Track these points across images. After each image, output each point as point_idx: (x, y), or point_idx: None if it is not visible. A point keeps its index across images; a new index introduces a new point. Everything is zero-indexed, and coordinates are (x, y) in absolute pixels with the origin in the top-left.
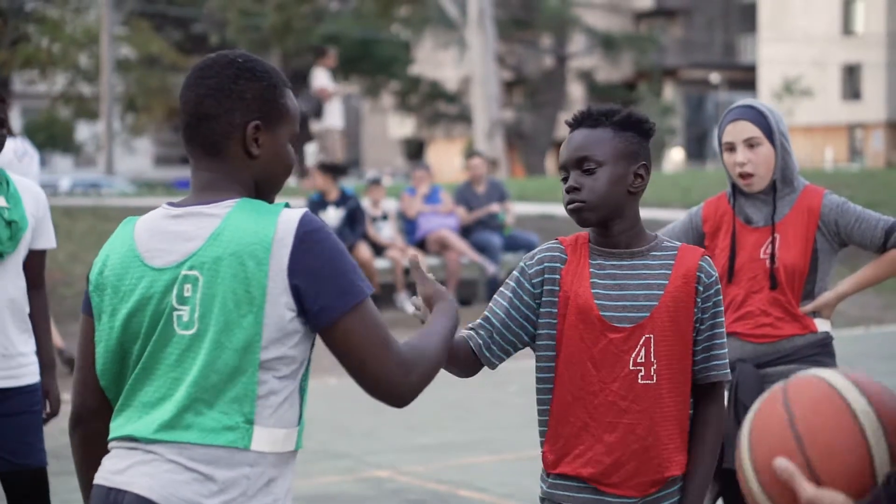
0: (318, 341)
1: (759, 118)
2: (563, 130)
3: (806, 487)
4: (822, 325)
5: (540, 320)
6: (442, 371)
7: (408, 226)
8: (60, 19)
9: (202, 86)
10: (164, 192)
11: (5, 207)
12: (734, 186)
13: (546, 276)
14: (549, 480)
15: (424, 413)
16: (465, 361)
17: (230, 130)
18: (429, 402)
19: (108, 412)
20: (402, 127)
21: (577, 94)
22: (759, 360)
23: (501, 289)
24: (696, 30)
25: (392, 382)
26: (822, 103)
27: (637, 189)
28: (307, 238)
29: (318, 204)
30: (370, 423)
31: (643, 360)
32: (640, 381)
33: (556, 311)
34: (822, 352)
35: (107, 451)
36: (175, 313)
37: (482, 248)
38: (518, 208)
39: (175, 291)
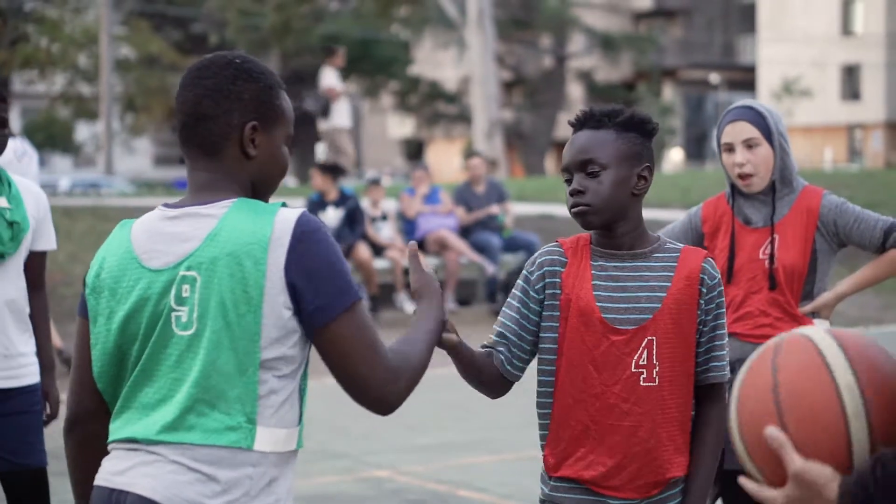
0: None
1: (758, 119)
2: (562, 131)
3: (795, 459)
4: (821, 325)
5: (542, 323)
6: (441, 372)
7: (407, 226)
8: (59, 19)
9: (200, 86)
10: (163, 192)
11: (7, 208)
12: (733, 187)
13: (547, 279)
14: (551, 483)
15: (424, 413)
16: (495, 382)
17: (228, 131)
18: (428, 402)
19: (104, 415)
20: (401, 127)
21: (576, 95)
22: None
23: (509, 300)
24: (696, 30)
25: (379, 389)
26: (822, 104)
27: (641, 191)
28: (305, 238)
29: (317, 204)
30: (369, 424)
31: (645, 363)
32: (642, 383)
33: (557, 314)
34: None
35: (102, 454)
36: (173, 314)
37: (481, 249)
38: (517, 208)
39: (173, 292)
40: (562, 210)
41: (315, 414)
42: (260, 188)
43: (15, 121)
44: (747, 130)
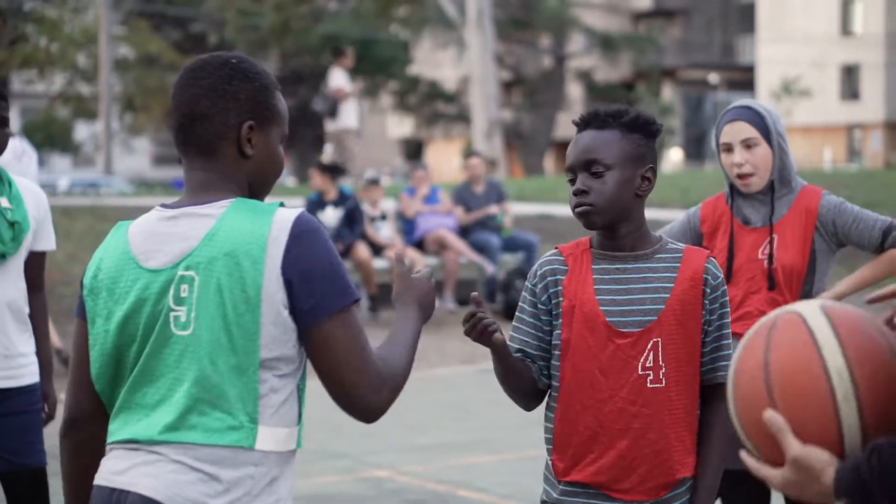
0: None
1: (757, 119)
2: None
3: (792, 444)
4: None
5: (553, 332)
6: (441, 372)
7: (406, 226)
8: (59, 19)
9: (196, 86)
10: (162, 191)
11: (8, 208)
12: (732, 187)
13: (550, 289)
14: (560, 487)
15: (424, 413)
16: (530, 392)
17: (224, 131)
18: (428, 402)
19: (102, 416)
20: (400, 127)
21: (575, 95)
22: None
23: (519, 315)
24: (695, 30)
25: (364, 397)
26: (821, 104)
27: (644, 192)
28: (302, 237)
29: (316, 204)
30: (370, 424)
31: (651, 365)
32: (649, 385)
33: (561, 321)
34: None
35: (99, 456)
36: (172, 314)
37: (481, 248)
38: (516, 208)
39: (172, 292)
40: (561, 210)
41: (315, 414)
42: (256, 188)
43: (14, 120)
44: (746, 130)
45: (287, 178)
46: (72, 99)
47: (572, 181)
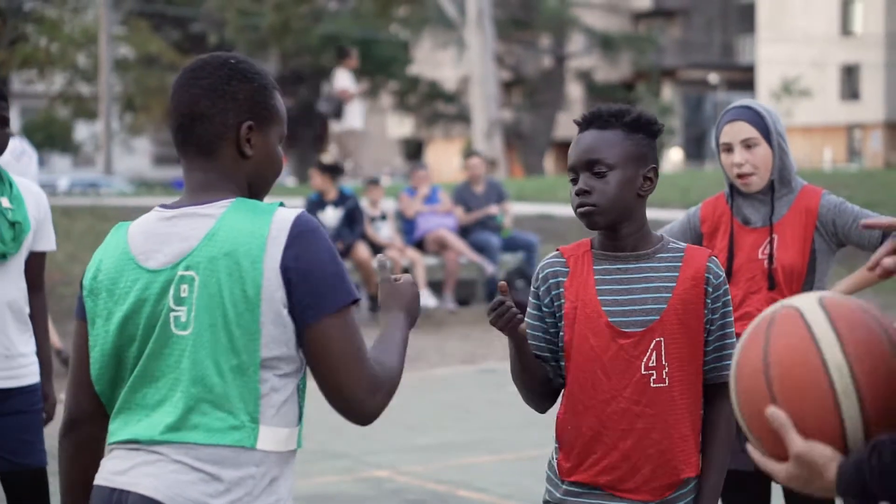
0: None
1: (757, 119)
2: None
3: (795, 440)
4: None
5: (557, 334)
6: (440, 372)
7: (406, 226)
8: (59, 19)
9: (196, 86)
10: (162, 191)
11: (9, 209)
12: (732, 187)
13: (553, 291)
14: (564, 487)
15: (424, 413)
16: (546, 391)
17: (223, 131)
18: (428, 402)
19: (101, 417)
20: (400, 127)
21: (575, 95)
22: None
23: (527, 318)
24: (695, 30)
25: (360, 400)
26: (821, 104)
27: (646, 192)
28: (301, 236)
29: (316, 204)
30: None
31: (654, 364)
32: (652, 385)
33: (563, 323)
34: None
35: (98, 457)
36: (172, 314)
37: (481, 248)
38: (516, 208)
39: (172, 292)
40: (561, 210)
41: (315, 414)
42: (256, 188)
43: (14, 120)
44: (746, 130)
45: (287, 178)
46: (72, 99)
47: (574, 181)
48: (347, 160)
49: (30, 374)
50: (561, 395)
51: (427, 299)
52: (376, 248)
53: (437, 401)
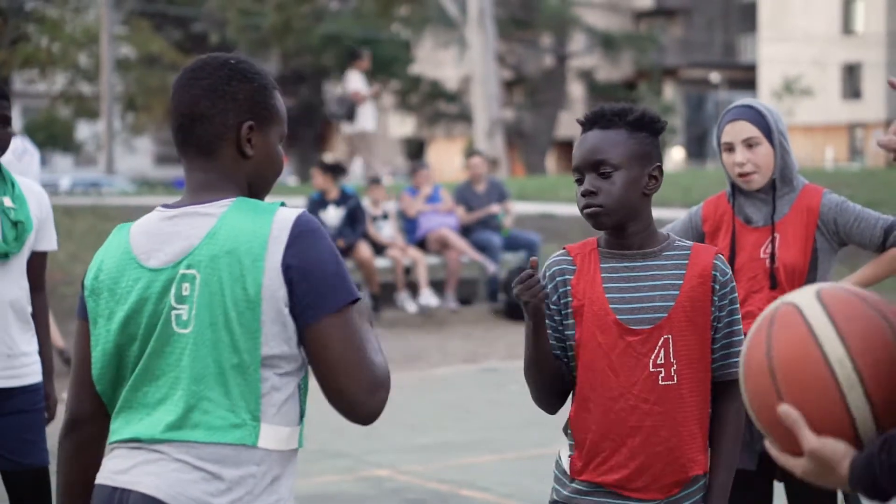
0: None
1: (758, 118)
2: (563, 130)
3: (808, 437)
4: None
5: (564, 332)
6: (441, 371)
7: (408, 225)
8: (60, 19)
9: (196, 86)
10: (164, 191)
11: (11, 208)
12: (734, 186)
13: (560, 289)
14: (571, 486)
15: (424, 413)
16: (558, 388)
17: (224, 131)
18: (429, 402)
19: (103, 417)
20: (402, 126)
21: (577, 94)
22: None
23: None
24: (696, 29)
25: (360, 401)
26: (823, 103)
27: (651, 190)
28: (303, 235)
29: (318, 203)
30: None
31: (663, 362)
32: (660, 382)
33: (572, 321)
34: None
35: (98, 458)
36: (173, 312)
37: (482, 248)
38: (518, 208)
39: (173, 291)
40: (562, 209)
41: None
42: (256, 187)
43: (16, 120)
44: (747, 130)
45: (288, 177)
46: (73, 98)
47: (580, 181)
48: (362, 162)
49: (32, 373)
50: (571, 395)
51: (429, 298)
52: (378, 248)
53: (438, 400)
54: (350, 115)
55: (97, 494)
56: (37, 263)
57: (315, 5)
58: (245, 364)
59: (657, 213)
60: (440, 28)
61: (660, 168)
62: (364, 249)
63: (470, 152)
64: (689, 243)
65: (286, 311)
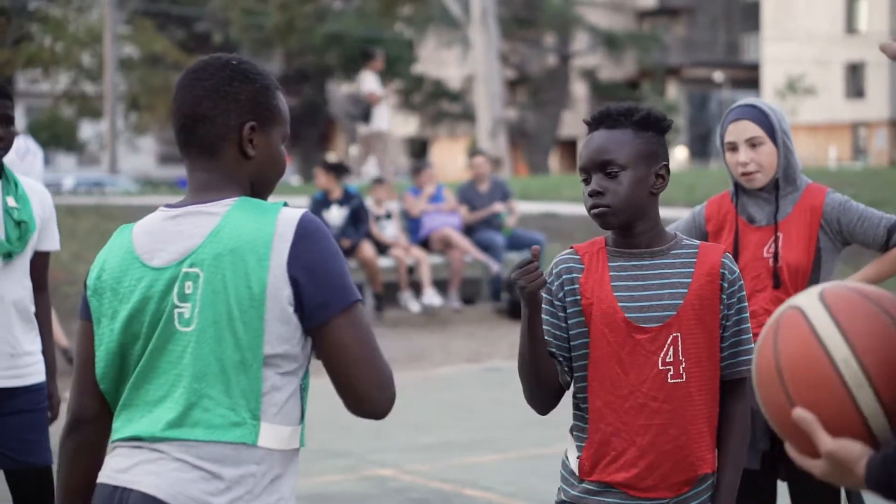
0: None
1: (761, 117)
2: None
3: (824, 440)
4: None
5: (570, 331)
6: (445, 371)
7: (411, 224)
8: (63, 18)
9: (198, 87)
10: (167, 190)
11: (15, 208)
12: (737, 185)
13: (566, 287)
14: (581, 486)
15: (427, 412)
16: (552, 389)
17: (226, 132)
18: (432, 401)
19: (105, 417)
20: (405, 126)
21: (580, 93)
22: None
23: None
24: (699, 28)
25: (373, 399)
26: (826, 102)
27: (658, 190)
28: (307, 235)
29: (321, 203)
30: (373, 423)
31: (672, 360)
32: (669, 380)
33: (582, 319)
34: None
35: (100, 458)
36: (176, 311)
37: (485, 247)
38: (521, 207)
39: (176, 289)
40: (566, 208)
41: (318, 413)
42: (258, 188)
43: (19, 119)
44: (750, 129)
45: (291, 177)
46: (76, 98)
47: (586, 181)
48: (375, 161)
49: (35, 372)
50: (574, 396)
51: (432, 298)
52: (381, 247)
53: (441, 400)
54: (366, 115)
55: (98, 493)
56: (40, 263)
57: (318, 5)
58: (247, 362)
59: (660, 212)
60: (443, 27)
61: (666, 167)
62: (367, 249)
63: (473, 152)
64: (697, 242)
65: (290, 310)
